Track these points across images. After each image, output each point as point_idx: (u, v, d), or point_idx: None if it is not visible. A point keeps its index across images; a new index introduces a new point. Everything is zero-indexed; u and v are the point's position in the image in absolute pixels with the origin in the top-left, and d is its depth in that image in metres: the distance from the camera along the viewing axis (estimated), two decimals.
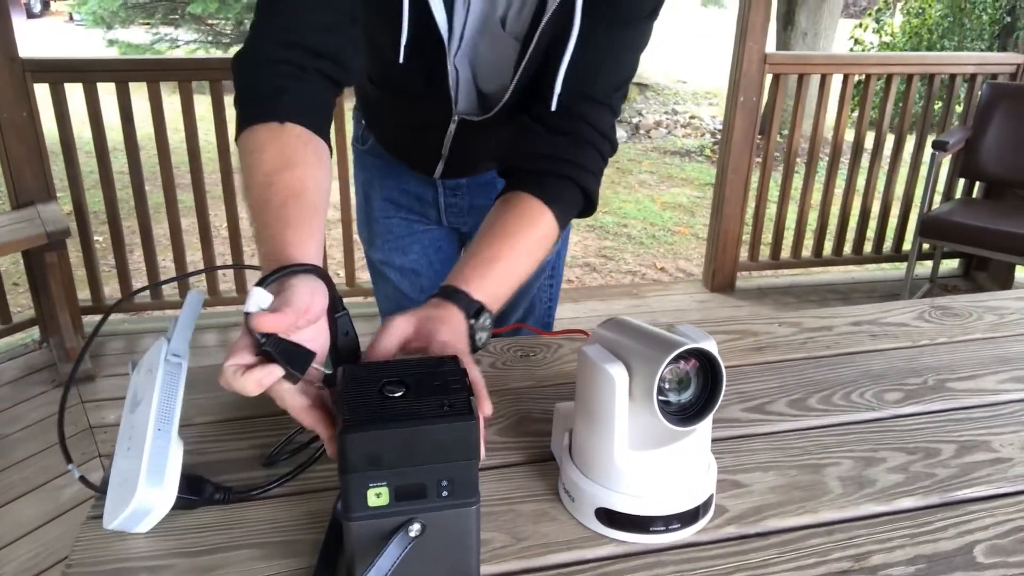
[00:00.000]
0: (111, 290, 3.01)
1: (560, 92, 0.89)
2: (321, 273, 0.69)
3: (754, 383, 0.95)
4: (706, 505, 0.71)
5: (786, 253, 3.28)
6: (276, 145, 0.78)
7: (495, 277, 0.84)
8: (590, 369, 0.68)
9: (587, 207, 0.96)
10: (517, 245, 0.87)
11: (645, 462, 0.68)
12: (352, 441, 0.56)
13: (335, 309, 0.69)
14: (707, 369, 0.66)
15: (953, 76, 3.12)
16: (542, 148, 0.92)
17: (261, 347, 0.62)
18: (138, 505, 0.64)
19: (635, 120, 7.81)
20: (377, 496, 0.57)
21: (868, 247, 3.34)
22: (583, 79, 0.91)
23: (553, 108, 0.90)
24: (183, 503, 0.69)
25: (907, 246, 3.29)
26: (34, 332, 2.72)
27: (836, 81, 3.07)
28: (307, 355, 0.64)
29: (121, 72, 2.51)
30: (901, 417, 0.89)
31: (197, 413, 0.87)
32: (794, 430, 0.86)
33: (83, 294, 2.79)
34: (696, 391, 0.67)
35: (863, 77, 3.12)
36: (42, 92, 2.44)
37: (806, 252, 3.30)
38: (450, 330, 0.76)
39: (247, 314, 0.63)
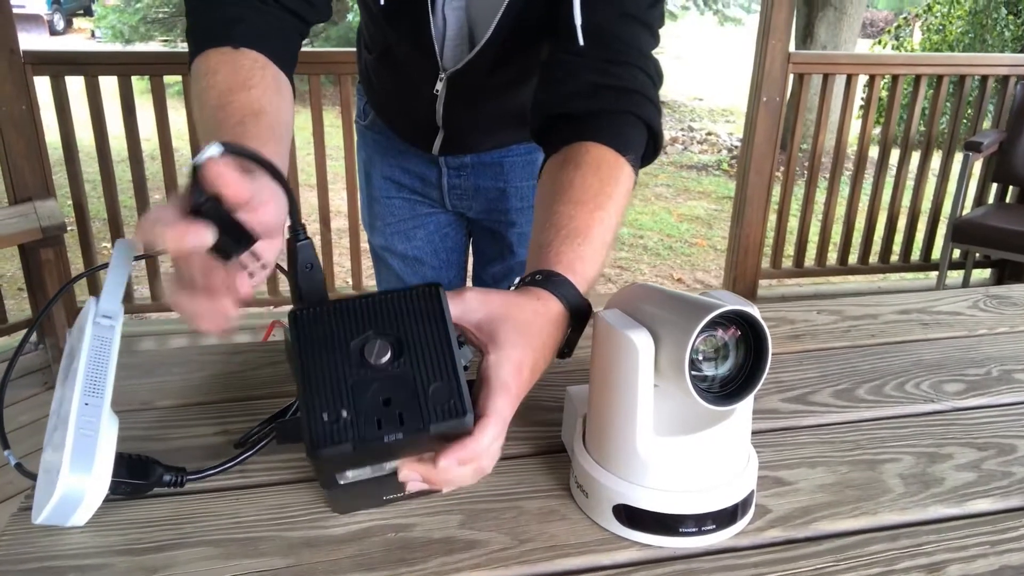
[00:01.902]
0: None
1: (583, 19, 0.74)
2: (284, 182, 0.55)
3: (793, 372, 0.84)
4: (746, 503, 0.59)
5: (809, 261, 3.16)
6: (229, 67, 0.68)
7: (590, 258, 0.65)
8: (608, 337, 0.58)
9: (654, 147, 0.78)
10: (605, 211, 0.68)
11: (673, 450, 0.57)
12: (325, 459, 0.47)
13: (295, 234, 0.55)
14: (749, 338, 0.55)
15: (985, 77, 3.00)
16: (586, 79, 0.74)
17: (199, 204, 0.49)
18: (64, 494, 0.54)
19: None
20: (354, 475, 0.52)
21: (895, 255, 3.21)
22: None
23: (580, 39, 0.74)
24: (127, 489, 0.59)
25: (936, 255, 3.15)
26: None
27: (862, 83, 2.97)
28: (248, 237, 0.52)
29: (123, 65, 2.45)
30: (966, 410, 0.77)
31: (159, 396, 0.77)
32: (843, 423, 0.75)
33: (82, 296, 2.71)
34: (736, 364, 0.56)
35: (890, 78, 3.01)
36: (42, 85, 2.37)
37: (831, 260, 3.17)
38: (530, 339, 0.56)
39: (195, 167, 0.49)
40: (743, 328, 0.55)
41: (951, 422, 0.75)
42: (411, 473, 0.50)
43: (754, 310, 0.54)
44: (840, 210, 3.05)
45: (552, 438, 0.71)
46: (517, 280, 0.63)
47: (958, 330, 0.95)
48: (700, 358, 0.55)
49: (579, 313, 0.62)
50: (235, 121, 0.63)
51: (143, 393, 0.78)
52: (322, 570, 0.55)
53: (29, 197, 2.41)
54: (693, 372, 0.54)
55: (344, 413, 0.47)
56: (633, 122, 0.76)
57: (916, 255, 3.23)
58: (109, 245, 2.83)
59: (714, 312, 0.52)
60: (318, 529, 0.58)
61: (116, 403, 0.76)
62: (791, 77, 2.78)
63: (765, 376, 0.55)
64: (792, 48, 2.68)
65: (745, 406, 0.59)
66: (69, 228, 2.95)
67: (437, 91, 0.98)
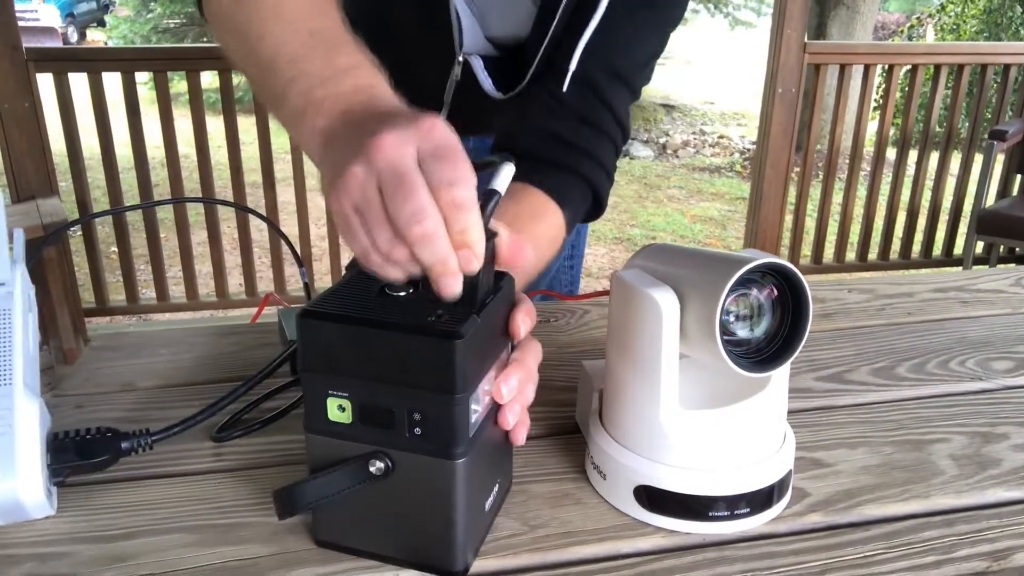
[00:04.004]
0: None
1: (579, 63, 0.75)
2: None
3: (827, 351, 0.78)
4: (782, 485, 0.53)
5: (828, 257, 3.08)
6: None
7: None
8: (628, 298, 0.52)
9: (595, 210, 0.80)
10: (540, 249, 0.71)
11: (701, 425, 0.51)
12: (307, 328, 0.45)
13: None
14: (787, 299, 0.49)
15: (1007, 66, 2.92)
16: (554, 128, 0.77)
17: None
18: None
19: (662, 140, 7.65)
20: (339, 410, 0.46)
21: (917, 250, 3.13)
22: (608, 49, 0.76)
23: (566, 85, 0.76)
24: (86, 468, 0.54)
25: (958, 250, 3.07)
26: None
27: (879, 76, 2.89)
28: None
29: (127, 62, 2.41)
30: (1018, 388, 0.70)
31: (142, 377, 0.72)
32: (883, 402, 0.68)
33: (87, 297, 2.67)
34: (772, 327, 0.50)
35: (909, 69, 2.94)
36: (45, 83, 2.34)
37: (850, 255, 3.09)
38: None
39: (494, 191, 0.48)
40: (780, 287, 0.49)
41: (1003, 401, 0.68)
42: (510, 379, 0.49)
43: (792, 268, 0.48)
44: (859, 205, 2.97)
45: (565, 419, 0.65)
46: None
47: (1002, 307, 0.88)
48: (732, 319, 0.49)
49: None
50: (334, 35, 0.57)
51: (126, 374, 0.73)
52: (309, 559, 0.49)
53: (32, 195, 2.37)
54: (725, 337, 0.48)
55: (440, 312, 0.44)
56: (580, 185, 0.77)
57: (938, 251, 3.14)
58: (116, 249, 2.79)
59: (749, 265, 0.46)
60: (305, 515, 0.52)
61: (95, 385, 0.71)
62: (806, 68, 2.71)
63: (805, 339, 0.48)
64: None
65: (781, 376, 0.53)
66: (74, 231, 2.93)
67: (455, 75, 0.91)
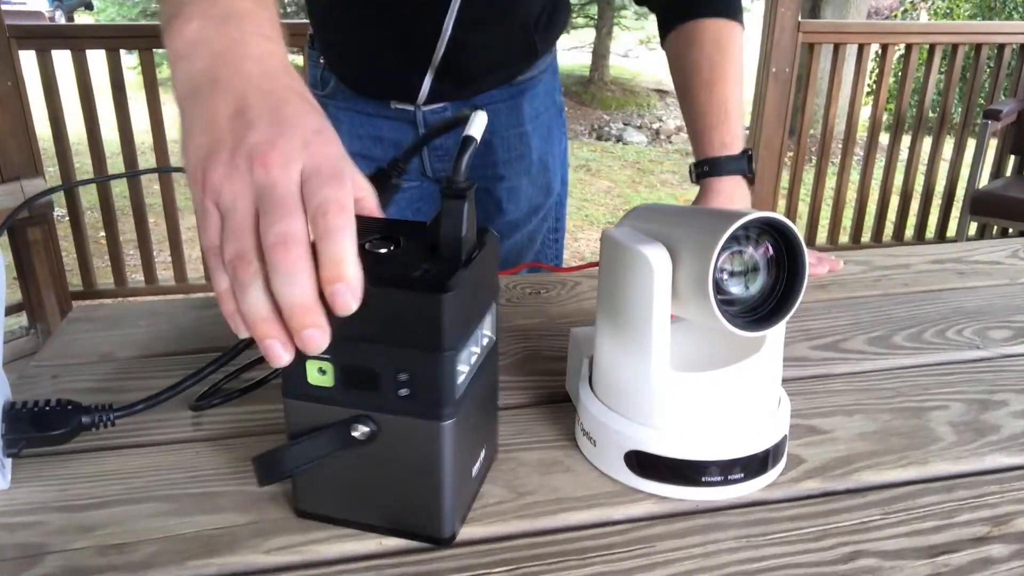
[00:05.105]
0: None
1: None
2: None
3: (822, 320, 0.76)
4: (777, 451, 0.52)
5: (821, 239, 3.07)
6: None
7: (737, 118, 0.85)
8: (618, 257, 0.50)
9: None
10: (728, 83, 0.85)
11: (694, 387, 0.49)
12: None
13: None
14: (782, 258, 0.48)
15: (1002, 47, 2.90)
16: None
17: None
18: None
19: (655, 126, 7.62)
20: (320, 373, 0.43)
21: (910, 233, 3.12)
22: None
23: None
24: (42, 441, 0.51)
25: (952, 233, 3.06)
26: (22, 319, 2.57)
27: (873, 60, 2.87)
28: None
29: (112, 39, 2.37)
30: (1017, 356, 0.69)
31: (121, 348, 0.70)
32: (880, 370, 0.67)
33: (75, 281, 2.64)
34: (767, 285, 0.48)
35: (903, 49, 2.91)
36: (29, 62, 2.30)
37: (844, 238, 3.08)
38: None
39: (470, 137, 0.44)
40: (776, 246, 0.48)
41: (1001, 369, 0.67)
42: None
43: (787, 222, 0.46)
44: (852, 190, 2.96)
45: (555, 387, 0.63)
46: (692, 168, 0.87)
47: (999, 279, 0.87)
48: (725, 276, 0.47)
49: (747, 168, 0.86)
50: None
51: (104, 345, 0.71)
52: (287, 527, 0.47)
53: (16, 176, 2.34)
54: (719, 296, 0.46)
55: (426, 267, 0.42)
56: None
57: (931, 233, 3.14)
58: (104, 233, 2.75)
59: (744, 219, 0.45)
60: (284, 484, 0.51)
61: (72, 355, 0.69)
62: (801, 48, 2.69)
63: (801, 297, 0.47)
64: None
65: (775, 338, 0.51)
66: (62, 217, 2.89)
67: (451, 11, 0.88)
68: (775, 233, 0.47)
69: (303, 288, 0.37)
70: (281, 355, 0.39)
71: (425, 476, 0.44)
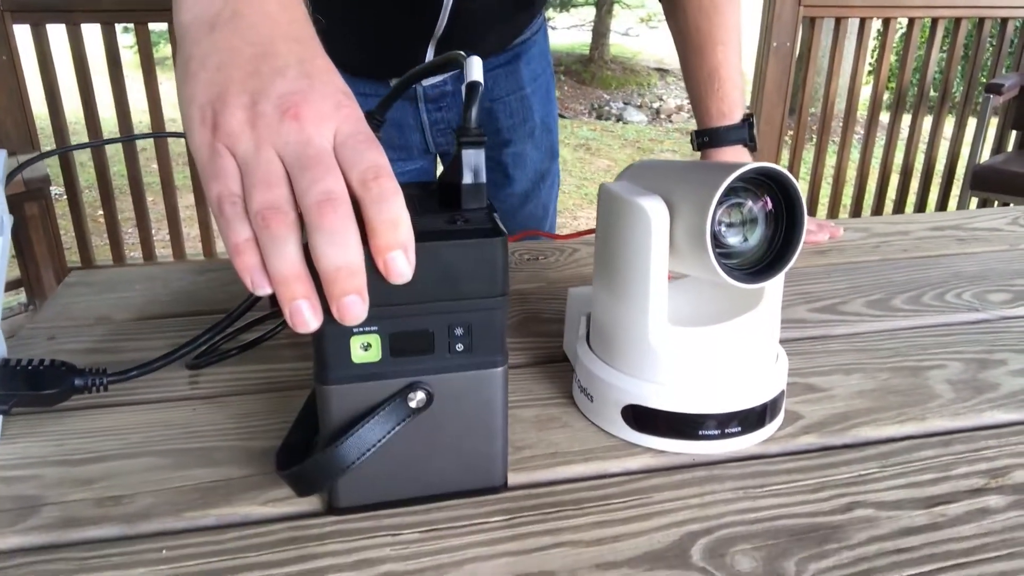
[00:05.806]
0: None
1: None
2: None
3: (821, 284, 0.76)
4: (775, 405, 0.51)
5: (821, 217, 3.06)
6: None
7: (733, 84, 0.85)
8: (615, 210, 0.49)
9: None
10: (726, 46, 0.85)
11: (691, 341, 0.49)
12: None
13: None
14: (781, 211, 0.47)
15: (1005, 20, 2.87)
16: None
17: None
18: None
19: (656, 105, 7.59)
20: (365, 348, 0.40)
21: (910, 209, 3.11)
22: None
23: None
24: (34, 400, 0.51)
25: (952, 207, 3.05)
26: (21, 295, 2.57)
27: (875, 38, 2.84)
28: None
29: (108, 12, 2.34)
30: (1015, 319, 0.69)
31: (117, 311, 0.70)
32: (879, 331, 0.66)
33: (73, 258, 2.63)
34: (765, 238, 0.47)
35: (906, 24, 2.89)
36: (23, 36, 2.28)
37: (843, 215, 3.08)
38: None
39: (476, 82, 0.42)
40: (775, 200, 0.47)
41: (1001, 330, 0.67)
42: None
43: (786, 173, 0.46)
44: (852, 169, 2.94)
45: (553, 348, 0.63)
46: (693, 137, 0.88)
47: (998, 245, 0.87)
48: (723, 228, 0.47)
49: (747, 137, 0.86)
50: None
51: (101, 308, 0.71)
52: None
53: (13, 152, 2.32)
54: (717, 250, 0.46)
55: (456, 217, 0.42)
56: None
57: (931, 207, 3.13)
58: (102, 211, 2.74)
59: (741, 169, 0.44)
60: (274, 440, 0.50)
61: (69, 318, 0.69)
62: (802, 21, 2.66)
63: (800, 250, 0.46)
64: None
65: (774, 292, 0.51)
66: (60, 195, 2.87)
67: None
68: (773, 184, 0.46)
69: (353, 249, 0.35)
70: (310, 320, 0.36)
71: (482, 427, 0.43)
